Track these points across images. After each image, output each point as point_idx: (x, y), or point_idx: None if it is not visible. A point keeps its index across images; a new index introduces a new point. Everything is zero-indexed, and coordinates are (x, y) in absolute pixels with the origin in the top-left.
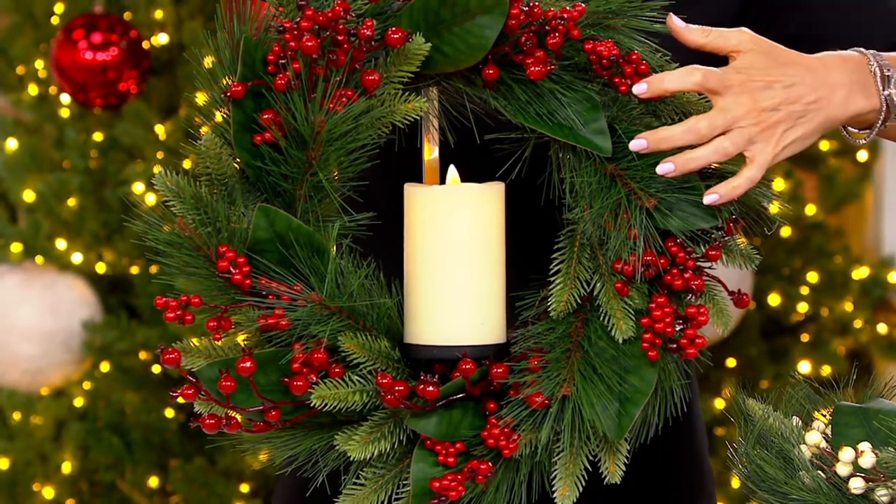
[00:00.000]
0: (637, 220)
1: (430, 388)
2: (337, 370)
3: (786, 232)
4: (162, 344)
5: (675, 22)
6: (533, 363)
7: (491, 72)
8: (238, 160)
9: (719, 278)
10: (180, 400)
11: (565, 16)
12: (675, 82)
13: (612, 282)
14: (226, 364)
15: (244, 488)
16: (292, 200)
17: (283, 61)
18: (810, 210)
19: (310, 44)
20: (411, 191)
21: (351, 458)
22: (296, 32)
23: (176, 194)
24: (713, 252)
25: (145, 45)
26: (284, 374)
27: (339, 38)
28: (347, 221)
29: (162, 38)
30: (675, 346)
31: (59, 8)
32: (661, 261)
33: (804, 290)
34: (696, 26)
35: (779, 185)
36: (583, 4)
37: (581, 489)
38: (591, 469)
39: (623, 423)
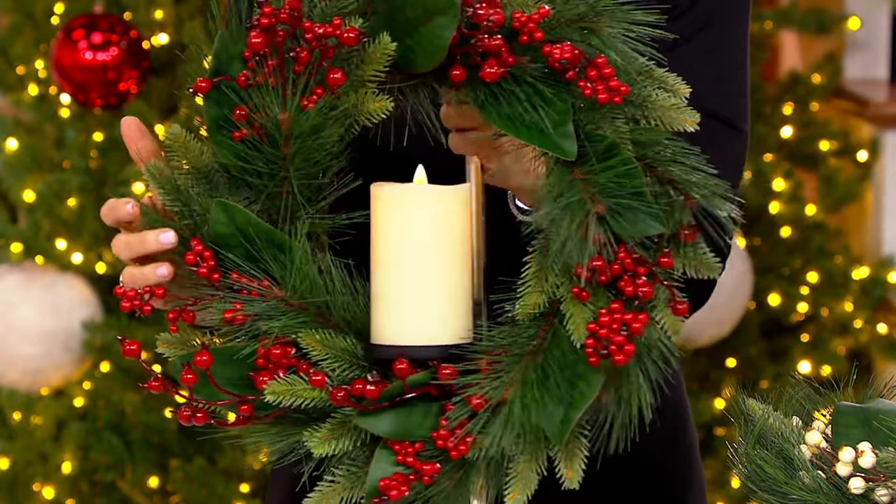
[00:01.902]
0: (590, 225)
1: (370, 388)
2: (304, 366)
3: (786, 232)
4: (123, 336)
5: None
6: (482, 365)
7: (457, 72)
8: (217, 156)
9: (672, 286)
10: (151, 391)
11: (523, 18)
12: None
13: (571, 286)
14: (188, 357)
15: (244, 488)
16: (276, 196)
17: (258, 58)
18: (810, 210)
19: (256, 40)
20: (376, 190)
21: (314, 455)
22: (256, 29)
23: (158, 182)
24: (664, 259)
25: (145, 45)
26: (254, 369)
27: (306, 35)
28: (343, 218)
29: (162, 38)
30: (605, 352)
31: (59, 8)
32: (615, 267)
33: (804, 290)
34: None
35: (779, 184)
36: (546, 7)
37: (532, 493)
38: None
39: (564, 428)
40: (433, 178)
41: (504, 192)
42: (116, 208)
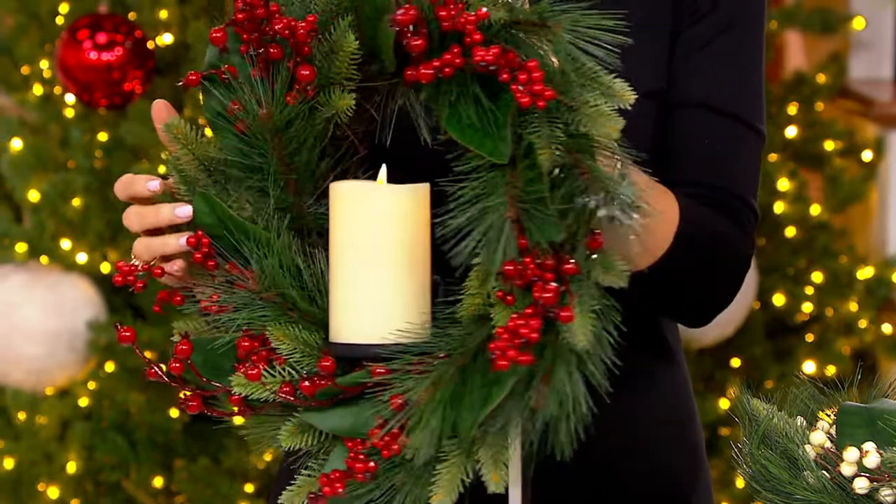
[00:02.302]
0: (502, 230)
1: (305, 384)
2: (281, 359)
3: (791, 232)
4: (118, 322)
5: None
6: (414, 365)
7: (410, 72)
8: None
9: (574, 292)
10: (150, 378)
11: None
12: None
13: (497, 289)
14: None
15: (249, 488)
16: (265, 192)
17: (251, 53)
18: (815, 210)
19: (216, 35)
20: (334, 188)
21: (283, 448)
22: (220, 26)
23: (177, 170)
24: (568, 266)
25: (150, 45)
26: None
27: (271, 31)
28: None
29: (167, 38)
30: (507, 356)
31: (63, 8)
32: (528, 272)
33: (809, 290)
34: None
35: (783, 184)
36: (485, 10)
37: (456, 497)
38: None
39: (468, 430)
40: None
41: None
42: (135, 183)
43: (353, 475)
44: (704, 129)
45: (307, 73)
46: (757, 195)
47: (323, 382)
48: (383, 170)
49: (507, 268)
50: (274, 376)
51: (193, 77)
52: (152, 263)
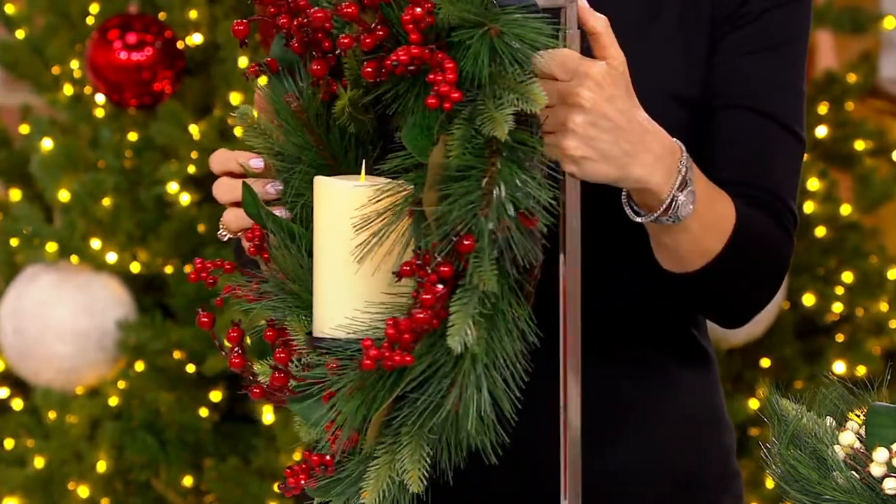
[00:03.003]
0: (414, 228)
1: (276, 374)
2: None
3: (821, 232)
4: (203, 306)
5: (582, 3)
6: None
7: (369, 70)
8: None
9: (437, 290)
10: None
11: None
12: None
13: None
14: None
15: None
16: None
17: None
18: (845, 210)
19: (238, 28)
20: (316, 182)
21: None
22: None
23: (254, 129)
24: (444, 269)
25: (180, 45)
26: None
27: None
28: None
29: (196, 38)
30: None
31: (94, 8)
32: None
33: (839, 290)
34: (601, 16)
35: (814, 184)
36: (419, 10)
37: (385, 497)
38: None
39: (364, 428)
40: None
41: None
42: (231, 160)
43: (312, 467)
44: (748, 130)
45: (318, 67)
46: (796, 199)
47: (280, 375)
48: (363, 165)
49: (403, 268)
50: (292, 365)
51: (252, 69)
52: (239, 234)
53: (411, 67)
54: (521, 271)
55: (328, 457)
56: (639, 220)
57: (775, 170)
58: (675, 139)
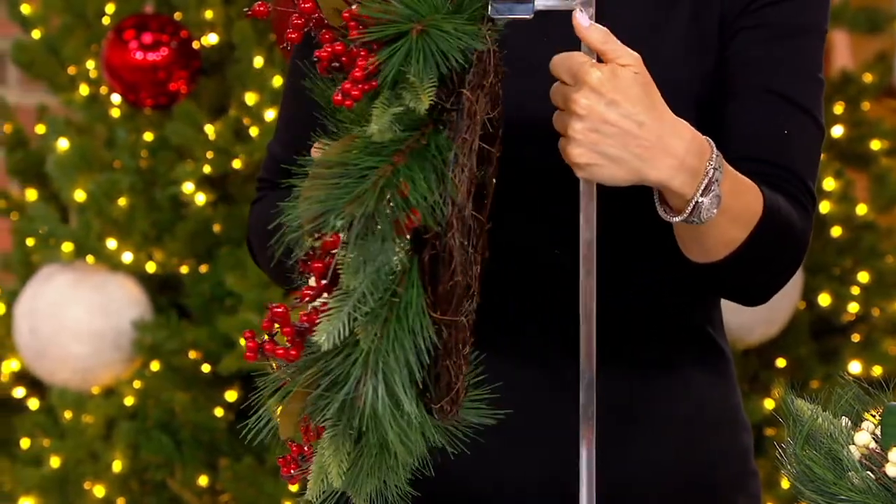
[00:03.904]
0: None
1: (248, 354)
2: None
3: (836, 232)
4: (267, 303)
5: (579, 19)
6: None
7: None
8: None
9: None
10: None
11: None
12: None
13: None
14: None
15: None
16: None
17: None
18: (861, 210)
19: (260, 9)
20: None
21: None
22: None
23: None
24: (316, 264)
25: (195, 45)
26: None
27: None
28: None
29: (212, 39)
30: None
31: (109, 8)
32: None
33: (855, 290)
34: (600, 27)
35: (829, 184)
36: (355, 7)
37: (320, 490)
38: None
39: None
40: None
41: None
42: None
43: (293, 458)
44: (768, 111)
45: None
46: (815, 181)
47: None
48: None
49: (315, 265)
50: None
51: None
52: None
53: (335, 64)
54: (426, 271)
55: (306, 447)
56: (669, 219)
57: (796, 150)
58: (706, 137)
